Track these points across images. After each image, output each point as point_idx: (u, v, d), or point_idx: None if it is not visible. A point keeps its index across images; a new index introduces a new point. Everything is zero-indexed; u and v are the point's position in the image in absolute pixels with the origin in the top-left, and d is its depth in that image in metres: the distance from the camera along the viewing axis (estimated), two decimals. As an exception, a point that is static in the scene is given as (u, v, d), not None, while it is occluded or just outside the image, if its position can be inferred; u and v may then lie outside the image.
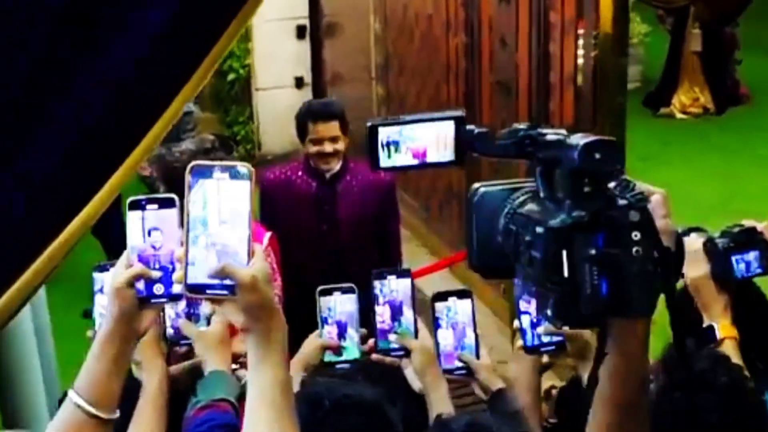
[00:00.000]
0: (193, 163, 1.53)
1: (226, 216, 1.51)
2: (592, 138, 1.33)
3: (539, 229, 1.33)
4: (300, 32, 9.83)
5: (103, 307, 1.76)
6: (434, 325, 2.45)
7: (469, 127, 1.52)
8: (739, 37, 10.58)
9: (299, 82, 10.12)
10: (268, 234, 4.19)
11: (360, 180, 4.55)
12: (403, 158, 1.52)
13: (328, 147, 4.40)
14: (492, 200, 1.49)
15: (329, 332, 2.47)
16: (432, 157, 1.53)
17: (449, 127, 1.53)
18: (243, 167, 1.53)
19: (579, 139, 1.34)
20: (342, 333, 2.47)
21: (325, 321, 2.47)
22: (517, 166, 6.05)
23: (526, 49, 5.90)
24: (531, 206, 1.42)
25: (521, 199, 1.45)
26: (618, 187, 1.40)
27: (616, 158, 1.34)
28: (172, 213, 1.69)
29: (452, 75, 7.06)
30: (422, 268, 5.97)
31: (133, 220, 1.69)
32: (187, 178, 1.52)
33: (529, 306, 2.27)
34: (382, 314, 2.46)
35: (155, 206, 1.70)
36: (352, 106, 8.49)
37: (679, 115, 10.47)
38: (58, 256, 1.93)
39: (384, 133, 1.51)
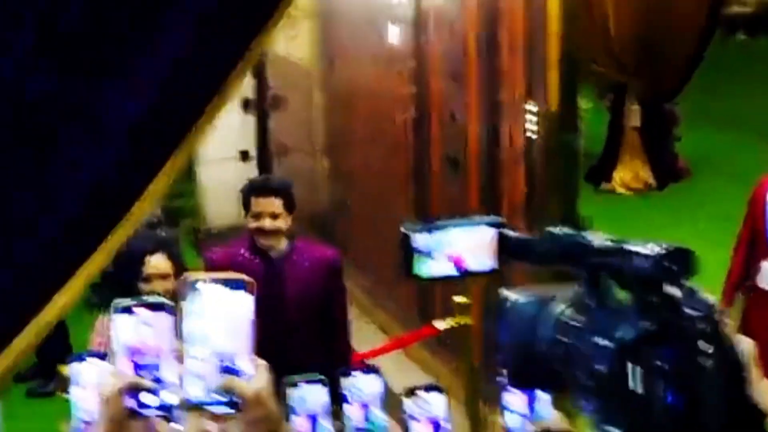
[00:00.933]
0: (187, 274, 1.47)
1: (228, 328, 1.44)
2: (667, 247, 1.26)
3: (602, 342, 1.26)
4: (245, 105, 9.80)
5: (84, 404, 1.70)
6: (408, 420, 2.36)
7: (509, 232, 1.46)
8: (679, 113, 10.79)
9: (244, 155, 10.06)
10: None
11: (306, 258, 4.47)
12: (439, 266, 1.47)
13: (267, 223, 4.33)
14: (526, 309, 1.41)
15: (300, 425, 2.36)
16: (471, 265, 1.48)
17: (488, 233, 1.47)
18: (243, 279, 1.47)
19: (647, 248, 1.27)
20: (314, 426, 2.37)
21: (293, 412, 2.37)
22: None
23: (476, 125, 5.92)
24: (581, 316, 1.35)
25: (565, 308, 1.38)
26: (683, 295, 1.33)
27: (692, 268, 1.27)
28: (165, 316, 1.61)
29: (401, 149, 7.06)
30: (374, 350, 5.86)
31: (121, 322, 1.61)
32: (181, 289, 1.45)
33: (515, 402, 2.19)
34: (352, 413, 2.36)
35: (145, 309, 1.63)
36: (299, 179, 8.48)
37: (620, 190, 10.60)
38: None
39: (418, 240, 1.46)
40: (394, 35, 6.93)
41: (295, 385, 2.37)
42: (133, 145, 1.79)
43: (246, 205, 4.41)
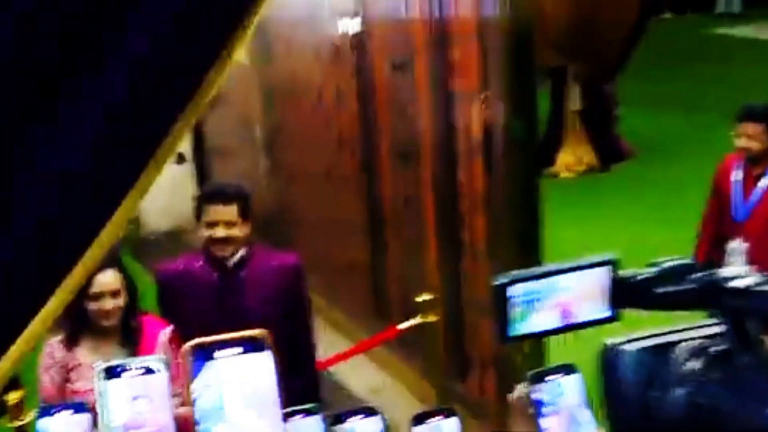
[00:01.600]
0: (193, 342, 1.22)
1: (250, 399, 1.21)
2: None
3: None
4: (178, 106, 9.48)
5: None
6: None
7: (625, 273, 1.23)
8: (617, 93, 10.73)
9: (180, 158, 9.73)
10: (169, 328, 3.94)
11: (266, 266, 4.23)
12: (542, 320, 1.22)
13: (221, 231, 4.08)
14: (639, 360, 1.20)
15: None
16: (581, 315, 1.23)
17: (599, 275, 1.22)
18: (259, 334, 1.24)
19: None
20: None
21: None
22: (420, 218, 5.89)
23: (428, 118, 5.72)
24: (724, 373, 1.14)
25: (699, 363, 1.16)
26: None
27: None
28: (161, 379, 1.38)
29: (346, 145, 6.83)
30: (336, 356, 5.64)
31: (112, 390, 1.36)
32: (186, 362, 1.21)
33: None
34: None
35: (137, 372, 1.42)
36: (239, 180, 8.20)
37: (564, 174, 10.50)
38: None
39: (515, 292, 1.22)
40: (337, 27, 6.69)
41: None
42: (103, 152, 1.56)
43: (199, 213, 4.15)
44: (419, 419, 2.14)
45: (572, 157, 10.54)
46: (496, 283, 1.21)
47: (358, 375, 6.64)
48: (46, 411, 1.75)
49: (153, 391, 1.39)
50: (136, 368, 1.40)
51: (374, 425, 2.05)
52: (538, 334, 1.17)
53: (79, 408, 1.67)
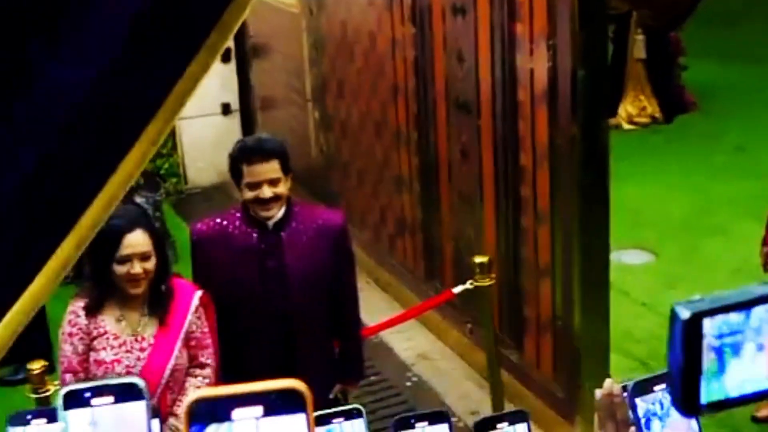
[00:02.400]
0: (197, 397, 0.90)
1: None
2: None
3: None
4: (225, 55, 9.17)
5: None
6: None
7: None
8: (683, 42, 10.21)
9: (226, 109, 9.48)
10: (199, 292, 3.65)
11: (309, 225, 3.90)
12: (756, 369, 0.82)
13: (267, 191, 3.72)
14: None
15: None
16: None
17: None
18: (297, 386, 0.92)
19: None
20: None
21: None
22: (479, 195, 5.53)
23: (488, 65, 5.33)
24: None
25: None
26: None
27: None
28: (138, 407, 1.07)
29: (400, 96, 6.46)
30: (388, 320, 5.32)
31: (74, 422, 1.04)
32: (185, 421, 0.89)
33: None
34: None
35: (108, 400, 1.08)
36: (287, 133, 7.90)
37: (626, 126, 10.04)
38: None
39: (713, 328, 0.82)
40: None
41: (326, 421, 1.81)
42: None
43: (236, 173, 3.80)
44: (483, 426, 1.82)
45: (635, 109, 10.06)
46: (683, 311, 0.80)
47: (406, 339, 6.34)
48: (20, 417, 1.43)
49: (128, 421, 1.09)
50: (106, 392, 1.09)
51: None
52: (746, 399, 0.78)
53: (53, 416, 1.38)
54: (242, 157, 3.76)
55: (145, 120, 1.32)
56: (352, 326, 4.18)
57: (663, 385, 1.54)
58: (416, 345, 6.29)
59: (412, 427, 1.72)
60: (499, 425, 1.78)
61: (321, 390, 4.02)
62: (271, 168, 3.73)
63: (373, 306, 6.34)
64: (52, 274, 1.33)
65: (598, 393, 1.64)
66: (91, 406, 1.03)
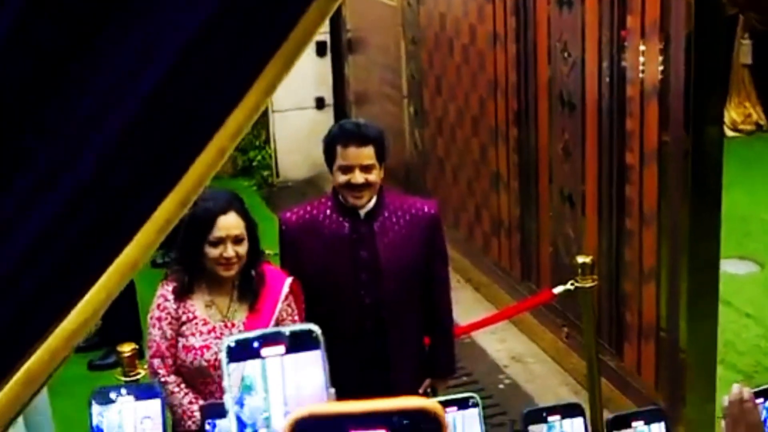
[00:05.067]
0: (305, 413, 0.83)
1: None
2: None
3: None
4: (320, 49, 9.13)
5: None
6: None
7: None
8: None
9: (320, 103, 9.43)
10: (289, 279, 3.57)
11: (401, 215, 3.78)
12: None
13: (359, 177, 3.62)
14: None
15: None
16: None
17: None
18: (429, 407, 0.82)
19: None
20: None
21: None
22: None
23: (595, 59, 5.15)
24: None
25: None
26: None
27: None
28: (314, 356, 1.04)
29: (500, 91, 6.30)
30: (483, 319, 5.17)
31: (236, 375, 1.02)
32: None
33: None
34: None
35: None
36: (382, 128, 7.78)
37: (730, 133, 9.69)
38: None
39: None
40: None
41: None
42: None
43: (330, 155, 3.70)
44: (617, 424, 1.67)
45: (740, 116, 9.72)
46: None
47: (499, 341, 6.18)
48: (102, 396, 1.32)
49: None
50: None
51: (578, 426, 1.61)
52: None
53: (148, 392, 1.32)
54: (338, 139, 3.67)
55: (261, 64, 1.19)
56: (444, 320, 4.05)
57: None
58: (509, 347, 6.13)
59: (545, 420, 1.58)
60: (634, 423, 1.63)
61: (411, 385, 3.91)
62: (366, 153, 3.63)
63: (466, 306, 6.18)
64: (152, 235, 1.22)
65: (726, 399, 1.55)
66: (261, 357, 0.96)
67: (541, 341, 6.09)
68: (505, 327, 6.18)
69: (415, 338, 3.97)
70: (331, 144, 3.70)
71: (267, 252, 3.69)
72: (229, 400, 0.98)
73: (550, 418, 1.58)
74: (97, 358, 5.83)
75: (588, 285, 4.75)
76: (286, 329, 0.98)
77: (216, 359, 3.39)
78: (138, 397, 1.29)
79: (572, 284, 4.77)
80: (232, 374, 0.98)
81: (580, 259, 4.80)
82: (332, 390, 0.99)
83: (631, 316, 5.16)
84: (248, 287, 3.48)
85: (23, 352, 1.19)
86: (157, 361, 3.43)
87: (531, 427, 1.57)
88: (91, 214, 1.16)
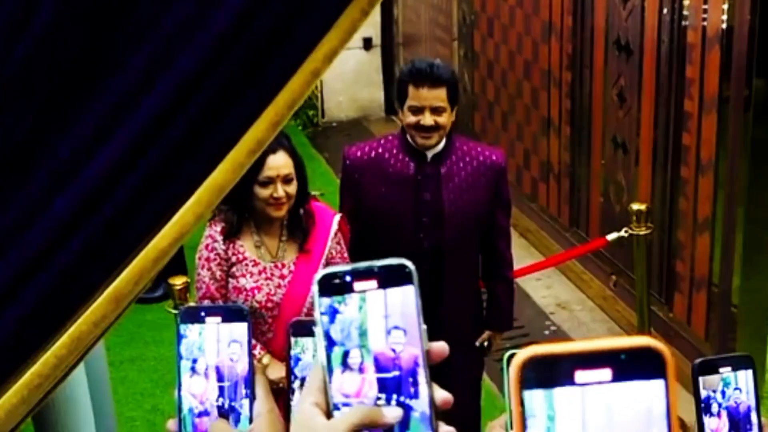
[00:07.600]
0: (530, 355, 0.80)
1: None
2: None
3: None
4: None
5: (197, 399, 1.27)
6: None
7: None
8: None
9: (367, 43, 9.34)
10: (338, 216, 3.54)
11: (468, 161, 3.73)
12: None
13: (429, 119, 3.58)
14: None
15: None
16: None
17: None
18: (653, 345, 0.78)
19: None
20: None
21: None
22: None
23: (655, 3, 5.03)
24: None
25: None
26: None
27: None
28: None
29: (554, 35, 6.19)
30: (534, 264, 5.14)
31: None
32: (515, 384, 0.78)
33: None
34: None
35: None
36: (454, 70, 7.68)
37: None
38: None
39: None
40: None
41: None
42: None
43: (402, 94, 3.66)
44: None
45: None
46: None
47: (545, 287, 6.15)
48: (191, 315, 1.29)
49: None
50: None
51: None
52: None
53: (228, 315, 1.29)
54: (410, 78, 3.61)
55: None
56: (506, 272, 4.00)
57: None
58: (555, 293, 6.10)
59: (717, 371, 1.54)
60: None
61: (466, 335, 3.88)
62: (438, 95, 3.58)
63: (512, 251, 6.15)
64: (243, 156, 1.20)
65: None
66: (355, 291, 0.96)
67: (587, 289, 6.05)
68: (550, 274, 6.14)
69: (472, 286, 3.93)
70: (403, 83, 3.65)
71: (313, 193, 3.65)
72: (320, 333, 0.97)
73: (721, 369, 1.55)
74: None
75: (642, 233, 4.70)
76: (377, 264, 0.97)
77: (268, 300, 3.37)
78: (225, 319, 1.28)
79: (626, 231, 4.72)
80: (323, 306, 0.97)
81: (635, 207, 4.74)
82: (425, 327, 0.97)
83: (683, 266, 5.09)
84: (298, 226, 3.44)
85: (113, 269, 1.19)
86: (207, 303, 3.39)
87: (703, 378, 1.54)
88: (182, 130, 1.15)
